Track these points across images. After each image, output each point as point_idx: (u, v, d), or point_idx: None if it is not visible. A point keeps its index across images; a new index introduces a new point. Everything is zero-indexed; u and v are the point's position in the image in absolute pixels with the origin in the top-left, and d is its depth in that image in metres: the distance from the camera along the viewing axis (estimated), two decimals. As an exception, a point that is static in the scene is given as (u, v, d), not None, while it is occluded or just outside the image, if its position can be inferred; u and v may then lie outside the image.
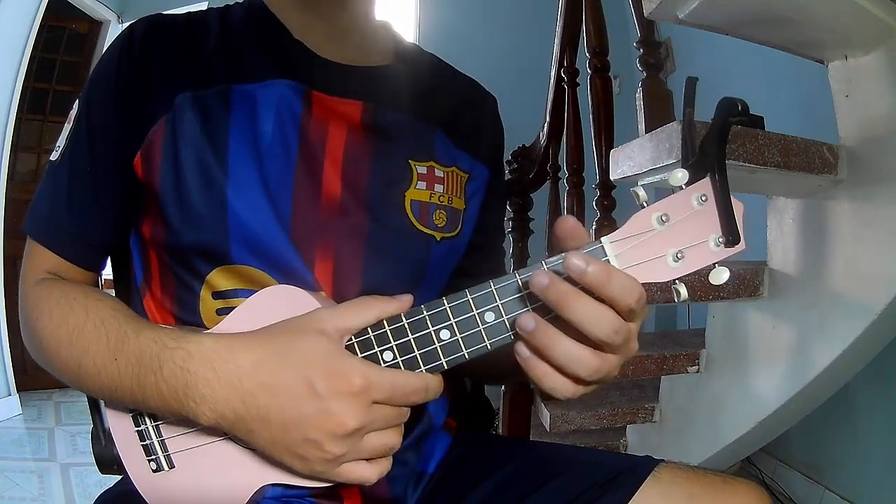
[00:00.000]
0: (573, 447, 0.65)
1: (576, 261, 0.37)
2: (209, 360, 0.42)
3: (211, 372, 0.42)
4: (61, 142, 0.55)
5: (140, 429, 0.49)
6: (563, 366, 0.39)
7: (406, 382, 0.43)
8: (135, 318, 0.48)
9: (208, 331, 0.48)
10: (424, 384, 0.43)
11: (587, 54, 1.41)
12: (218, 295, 0.52)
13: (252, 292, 0.51)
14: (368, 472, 0.44)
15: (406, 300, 0.45)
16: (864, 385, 1.50)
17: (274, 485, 0.47)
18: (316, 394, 0.41)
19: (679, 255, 0.40)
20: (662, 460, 0.56)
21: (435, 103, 0.62)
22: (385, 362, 0.44)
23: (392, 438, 0.44)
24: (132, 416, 0.49)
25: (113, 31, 3.32)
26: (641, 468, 0.55)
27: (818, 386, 1.09)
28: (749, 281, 1.16)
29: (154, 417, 0.49)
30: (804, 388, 1.09)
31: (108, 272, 0.60)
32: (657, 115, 1.16)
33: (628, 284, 0.38)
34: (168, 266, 0.54)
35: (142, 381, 0.44)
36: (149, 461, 0.49)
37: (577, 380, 0.40)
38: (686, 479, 0.54)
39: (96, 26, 3.32)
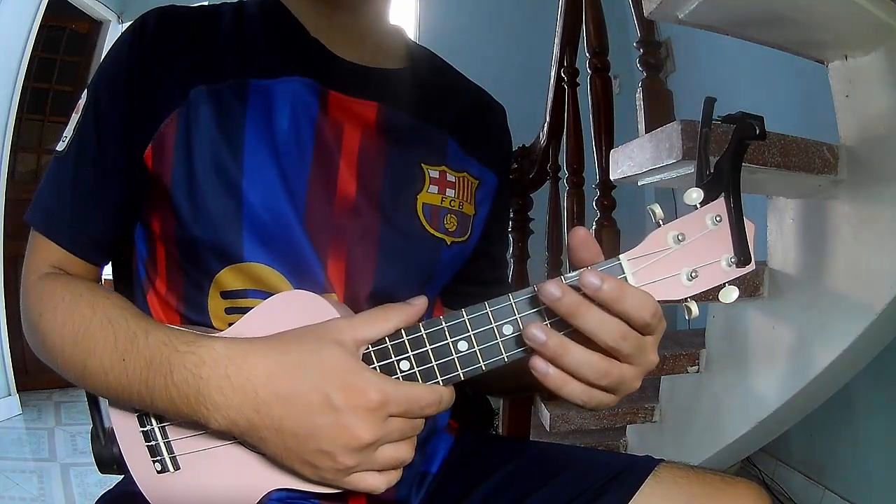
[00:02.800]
0: (573, 447, 0.65)
1: (591, 278, 0.38)
2: (222, 367, 0.42)
3: (224, 379, 0.42)
4: (68, 132, 0.53)
5: (145, 429, 0.48)
6: (574, 371, 0.40)
7: (421, 396, 0.43)
8: (143, 318, 0.47)
9: (220, 334, 0.48)
10: (438, 396, 0.44)
11: (587, 54, 1.41)
12: (227, 294, 0.52)
13: (262, 293, 0.50)
14: (378, 482, 0.44)
15: (421, 304, 0.45)
16: (864, 385, 1.50)
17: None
18: (332, 407, 0.41)
19: (693, 274, 0.41)
20: (662, 460, 0.56)
21: (446, 109, 0.62)
22: (402, 372, 0.44)
23: (404, 452, 0.44)
24: (137, 417, 0.49)
25: (113, 31, 3.32)
26: (641, 468, 0.55)
27: (818, 386, 1.09)
28: (749, 281, 1.16)
29: (160, 418, 0.48)
30: (804, 388, 1.09)
31: (106, 270, 0.59)
32: (657, 115, 1.15)
33: (642, 300, 0.39)
34: (177, 262, 0.53)
35: (150, 384, 0.43)
36: (154, 462, 0.48)
37: (590, 384, 0.41)
38: (686, 479, 0.54)
39: (96, 26, 3.32)
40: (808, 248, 1.10)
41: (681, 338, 1.44)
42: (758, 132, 0.40)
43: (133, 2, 3.35)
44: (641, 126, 1.19)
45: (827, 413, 1.45)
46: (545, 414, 1.37)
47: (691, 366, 1.30)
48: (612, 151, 1.19)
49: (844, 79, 1.04)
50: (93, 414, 0.55)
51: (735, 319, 1.25)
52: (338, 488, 0.45)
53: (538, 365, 0.41)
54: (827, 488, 1.72)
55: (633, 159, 1.07)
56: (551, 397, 1.42)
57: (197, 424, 0.44)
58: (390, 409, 0.42)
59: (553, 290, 0.39)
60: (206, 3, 0.57)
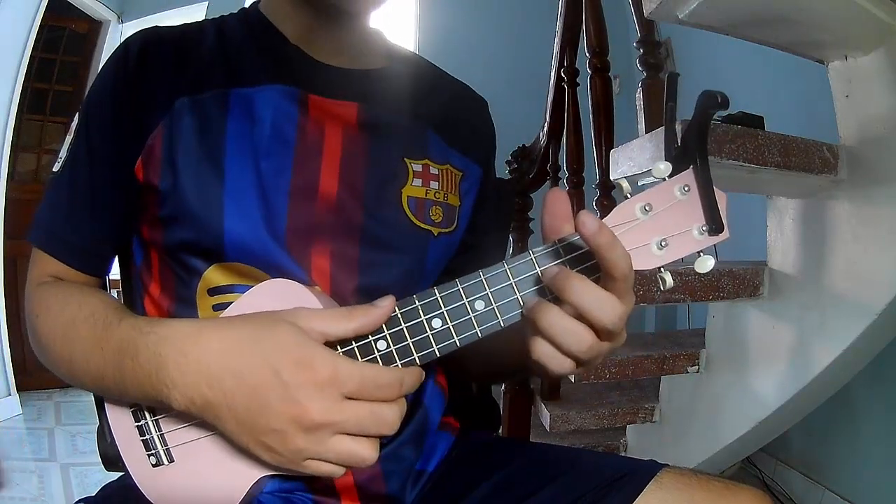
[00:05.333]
0: (575, 449, 0.65)
1: (589, 221, 0.38)
2: (180, 344, 0.43)
3: (181, 356, 0.42)
4: (63, 153, 0.56)
5: (140, 424, 0.49)
6: (560, 340, 0.41)
7: (377, 375, 0.42)
8: (121, 309, 0.49)
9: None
10: (398, 378, 0.42)
11: (587, 54, 1.41)
12: (214, 291, 0.53)
13: (248, 287, 0.51)
14: (335, 468, 0.42)
15: (387, 304, 0.43)
16: (864, 385, 1.50)
17: (272, 477, 0.47)
18: (282, 382, 0.40)
19: (663, 243, 0.42)
20: (666, 465, 0.56)
21: (427, 104, 0.63)
22: (379, 351, 0.44)
23: (364, 449, 0.42)
24: (132, 412, 0.50)
25: (113, 31, 3.32)
26: (643, 472, 0.55)
27: (818, 386, 1.09)
28: (749, 281, 1.16)
29: (153, 412, 0.49)
30: (804, 388, 1.09)
31: (115, 272, 0.61)
32: (657, 115, 1.16)
33: (626, 254, 0.40)
34: (166, 264, 0.55)
35: (122, 368, 0.45)
36: (148, 456, 0.49)
37: (570, 354, 0.41)
38: (688, 485, 0.53)
39: (96, 26, 3.32)
40: (807, 248, 1.10)
41: (681, 338, 1.45)
42: (719, 100, 0.40)
43: (133, 2, 3.35)
44: (641, 126, 1.19)
45: (827, 413, 1.45)
46: (545, 414, 1.37)
47: (691, 366, 1.30)
48: (612, 151, 1.19)
49: (844, 79, 1.04)
50: (99, 411, 0.55)
51: (735, 319, 1.25)
52: (298, 473, 0.44)
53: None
54: (827, 488, 1.72)
55: (633, 159, 1.08)
56: (551, 397, 1.42)
57: (163, 406, 0.45)
58: (342, 387, 0.40)
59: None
60: (190, 16, 0.58)
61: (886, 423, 1.54)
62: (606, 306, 0.40)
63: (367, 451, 0.42)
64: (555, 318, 0.40)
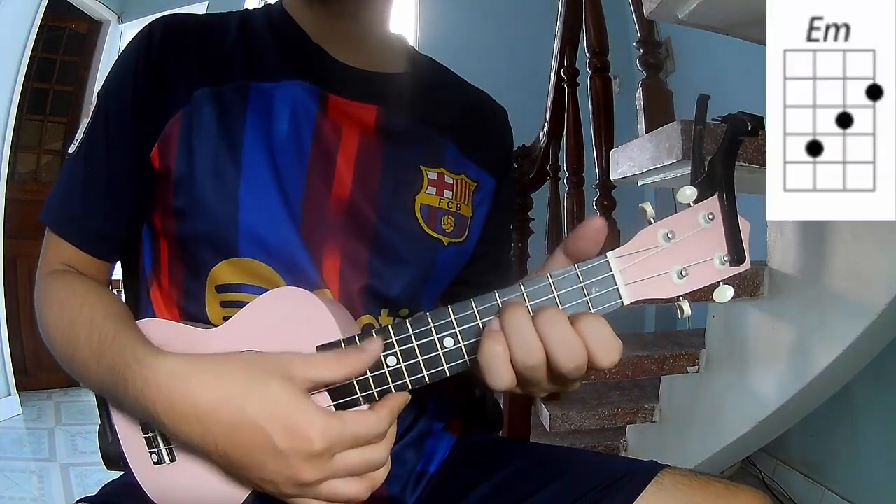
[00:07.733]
0: (575, 450, 0.65)
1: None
2: (165, 392, 0.42)
3: (168, 405, 0.42)
4: (80, 135, 0.56)
5: (144, 421, 0.49)
6: (511, 340, 0.39)
7: (370, 430, 0.42)
8: (117, 321, 0.48)
9: (213, 330, 0.49)
10: (389, 419, 0.43)
11: (587, 54, 1.41)
12: (222, 288, 0.53)
13: (256, 288, 0.51)
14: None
15: (374, 349, 0.43)
16: (864, 385, 1.50)
17: None
18: (275, 449, 0.40)
19: (684, 273, 0.41)
20: (666, 466, 0.56)
21: (446, 113, 0.63)
22: (389, 367, 0.44)
23: (355, 490, 0.43)
24: None
25: (113, 31, 3.32)
26: (643, 473, 0.54)
27: (818, 386, 1.09)
28: (749, 281, 1.16)
29: None
30: (804, 388, 1.09)
31: (117, 271, 0.61)
32: (657, 115, 1.15)
33: (612, 347, 0.39)
34: (177, 256, 0.55)
35: (115, 390, 0.45)
36: (150, 453, 0.49)
37: (514, 362, 0.40)
38: (688, 486, 0.53)
39: (96, 26, 3.32)
40: (807, 248, 1.10)
41: (681, 338, 1.44)
42: (749, 128, 0.40)
43: (133, 2, 3.35)
44: (641, 126, 1.19)
45: (827, 413, 1.45)
46: (545, 414, 1.37)
47: (691, 366, 1.30)
48: (612, 151, 1.19)
49: (844, 78, 1.04)
50: (101, 411, 0.56)
51: (735, 319, 1.25)
52: None
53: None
54: (827, 488, 1.72)
55: (633, 159, 1.07)
56: (552, 397, 1.42)
57: None
58: (335, 450, 0.41)
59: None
60: (199, 9, 0.58)
61: (886, 423, 1.54)
62: (570, 349, 0.38)
63: (356, 490, 0.43)
64: (518, 316, 0.38)
